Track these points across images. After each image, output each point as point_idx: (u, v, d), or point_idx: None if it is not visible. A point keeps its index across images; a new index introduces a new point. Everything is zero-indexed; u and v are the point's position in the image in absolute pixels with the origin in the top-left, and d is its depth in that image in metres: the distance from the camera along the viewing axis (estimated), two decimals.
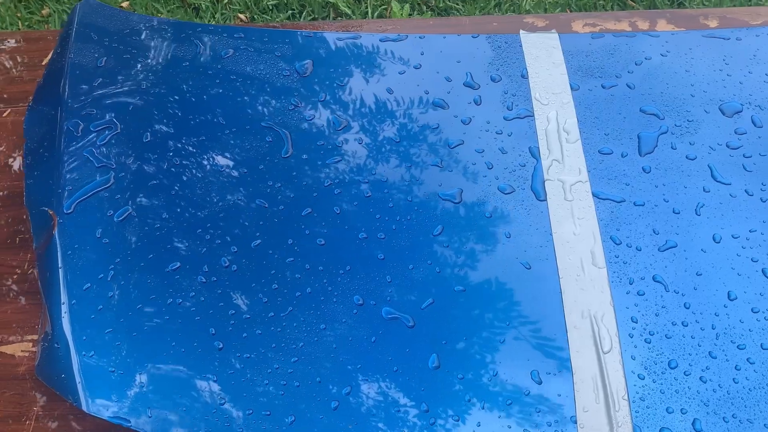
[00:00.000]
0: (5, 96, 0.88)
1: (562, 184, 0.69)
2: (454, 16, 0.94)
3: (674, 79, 0.76)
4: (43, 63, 0.92)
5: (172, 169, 0.72)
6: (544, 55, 0.79)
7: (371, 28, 0.91)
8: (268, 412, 0.58)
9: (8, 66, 0.91)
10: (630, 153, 0.71)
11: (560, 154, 0.71)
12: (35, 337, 0.68)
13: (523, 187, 0.69)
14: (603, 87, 0.76)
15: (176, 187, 0.71)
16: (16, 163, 0.81)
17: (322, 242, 0.67)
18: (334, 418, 0.58)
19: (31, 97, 0.85)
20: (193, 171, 0.72)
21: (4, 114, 0.86)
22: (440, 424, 0.57)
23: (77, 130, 0.74)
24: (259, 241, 0.67)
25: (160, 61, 0.81)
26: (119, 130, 0.75)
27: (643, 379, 0.58)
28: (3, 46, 0.93)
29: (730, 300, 0.61)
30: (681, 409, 0.56)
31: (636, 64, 0.78)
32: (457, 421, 0.57)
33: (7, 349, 0.68)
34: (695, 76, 0.76)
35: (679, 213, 0.66)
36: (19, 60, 0.92)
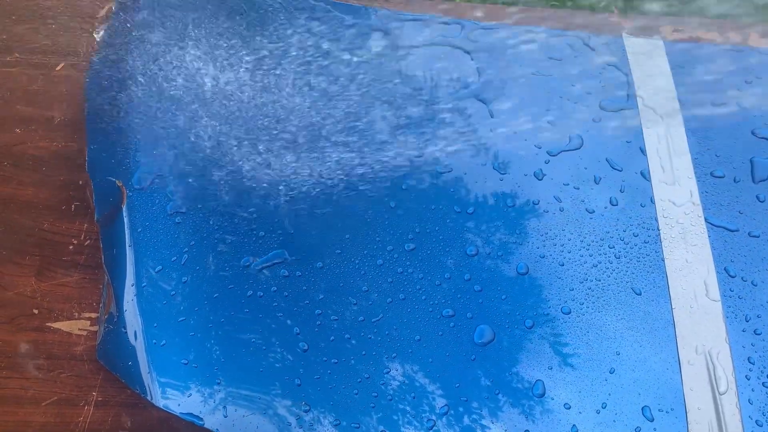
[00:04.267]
0: (58, 49, 0.82)
1: (674, 206, 0.65)
2: (537, 7, 0.89)
3: None
4: (99, 15, 0.86)
5: (254, 152, 0.67)
6: (649, 63, 0.75)
7: (453, 9, 0.86)
8: (358, 425, 0.54)
9: (61, 17, 0.85)
10: (743, 179, 0.67)
11: (671, 173, 0.67)
12: (94, 315, 0.63)
13: (632, 206, 0.65)
14: (713, 104, 0.72)
15: (258, 171, 0.66)
16: (72, 122, 0.75)
17: (412, 247, 0.63)
18: None
19: (87, 52, 0.80)
20: (276, 155, 0.67)
21: (58, 67, 0.80)
22: None
23: (148, 95, 0.69)
24: (347, 236, 0.63)
25: (242, 26, 0.75)
26: (194, 103, 0.69)
27: (762, 426, 0.55)
28: None
29: None
30: None
31: (746, 83, 0.74)
32: None
33: (63, 326, 0.63)
34: None
35: None
36: (72, 11, 0.86)
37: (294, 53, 0.74)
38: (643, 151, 0.68)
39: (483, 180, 0.66)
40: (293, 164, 0.67)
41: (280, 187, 0.65)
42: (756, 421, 0.55)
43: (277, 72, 0.72)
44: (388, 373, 0.56)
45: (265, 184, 0.65)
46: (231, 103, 0.70)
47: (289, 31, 0.75)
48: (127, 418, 0.59)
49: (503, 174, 0.67)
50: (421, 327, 0.58)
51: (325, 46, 0.74)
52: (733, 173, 0.67)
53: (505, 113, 0.70)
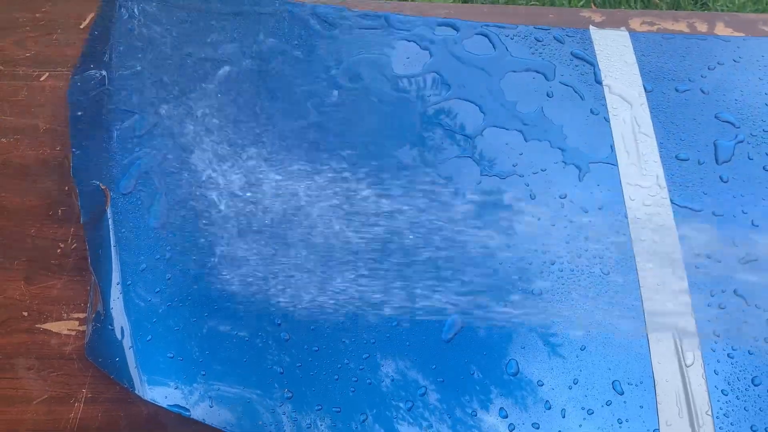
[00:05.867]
0: (42, 60, 0.84)
1: (640, 188, 0.67)
2: (508, 5, 0.91)
3: (748, 86, 0.75)
4: (82, 26, 0.88)
5: (232, 152, 0.69)
6: (616, 54, 0.77)
7: (419, 9, 0.88)
8: (338, 409, 0.56)
9: (44, 28, 0.87)
10: (707, 161, 0.69)
11: (637, 157, 0.69)
12: (82, 315, 0.65)
13: (600, 190, 0.67)
14: (677, 90, 0.74)
15: (236, 172, 0.68)
16: (56, 131, 0.77)
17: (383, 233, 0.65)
18: (408, 418, 0.56)
19: (71, 62, 0.82)
20: (254, 156, 0.69)
21: (42, 78, 0.82)
22: (519, 431, 0.55)
23: (128, 100, 0.71)
24: (323, 230, 0.65)
25: (219, 29, 0.77)
26: (174, 105, 0.71)
27: (727, 395, 0.57)
28: (38, 7, 0.89)
29: None
30: (766, 428, 0.55)
31: (709, 69, 0.77)
32: (537, 429, 0.55)
33: (53, 327, 0.65)
34: None
35: (758, 226, 0.65)
36: (55, 22, 0.88)
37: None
38: (610, 137, 0.71)
39: (453, 170, 0.68)
40: (268, 159, 0.69)
41: (262, 180, 0.67)
42: (722, 391, 0.57)
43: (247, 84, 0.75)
44: (367, 358, 0.58)
45: (239, 182, 0.67)
46: (212, 105, 0.72)
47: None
48: (116, 413, 0.61)
49: (473, 164, 0.69)
50: (397, 313, 0.60)
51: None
52: (697, 156, 0.70)
53: (473, 108, 0.73)
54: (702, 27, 0.90)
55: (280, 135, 0.70)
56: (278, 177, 0.67)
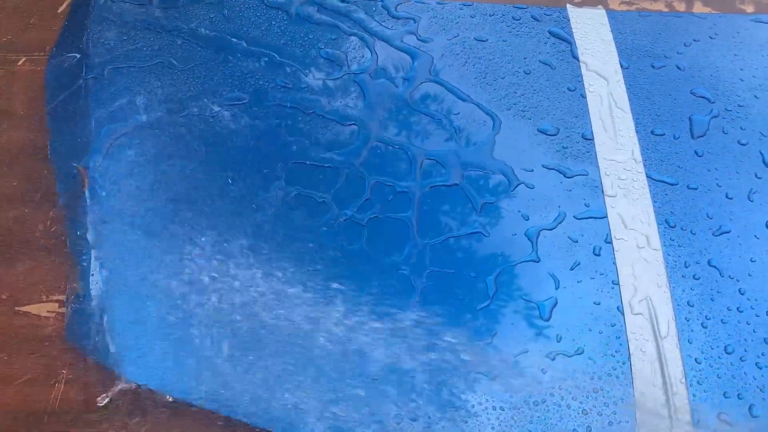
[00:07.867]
0: (19, 45, 0.83)
1: (616, 164, 0.68)
2: None
3: (723, 62, 0.75)
4: (59, 11, 0.87)
5: (206, 131, 0.69)
6: (592, 31, 0.78)
7: None
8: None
9: (21, 13, 0.86)
10: (682, 135, 0.70)
11: (614, 133, 0.70)
12: (61, 297, 0.65)
13: (576, 165, 0.68)
14: (653, 67, 0.75)
15: (208, 150, 0.68)
16: (34, 116, 0.77)
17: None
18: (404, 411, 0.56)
19: (48, 47, 0.81)
20: (225, 135, 0.69)
21: (19, 63, 0.82)
22: (498, 405, 0.56)
23: (104, 85, 0.71)
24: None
25: (196, 11, 0.77)
26: (150, 85, 0.71)
27: (700, 363, 0.58)
28: None
29: None
30: (738, 395, 0.56)
31: (685, 46, 0.77)
32: (512, 397, 0.56)
33: (32, 309, 0.65)
34: (744, 60, 0.76)
35: (732, 198, 0.66)
36: (32, 7, 0.87)
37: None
38: (586, 113, 0.71)
39: (431, 152, 0.69)
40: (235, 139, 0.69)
41: (227, 163, 0.67)
42: (695, 359, 0.58)
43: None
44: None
45: (213, 162, 0.67)
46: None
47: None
48: (98, 392, 0.61)
49: (452, 146, 0.69)
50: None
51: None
52: (672, 131, 0.70)
53: (452, 86, 0.73)
54: (680, 6, 0.90)
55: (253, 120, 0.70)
56: (262, 158, 0.67)
